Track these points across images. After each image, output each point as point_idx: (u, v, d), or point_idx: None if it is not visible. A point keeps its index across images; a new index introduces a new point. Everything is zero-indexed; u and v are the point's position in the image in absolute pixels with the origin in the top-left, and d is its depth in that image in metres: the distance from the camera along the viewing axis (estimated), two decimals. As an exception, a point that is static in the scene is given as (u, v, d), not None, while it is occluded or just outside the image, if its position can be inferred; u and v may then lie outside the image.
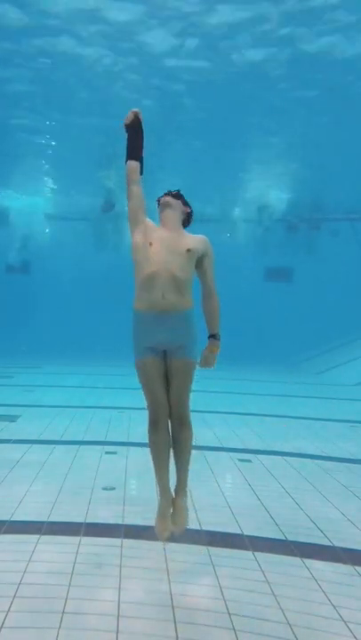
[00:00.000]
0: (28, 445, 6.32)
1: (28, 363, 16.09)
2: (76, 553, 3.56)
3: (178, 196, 3.31)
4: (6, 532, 3.89)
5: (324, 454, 6.40)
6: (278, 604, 3.02)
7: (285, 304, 21.77)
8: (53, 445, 6.38)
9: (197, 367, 3.20)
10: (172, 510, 3.26)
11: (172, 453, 3.29)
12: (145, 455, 5.91)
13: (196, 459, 5.92)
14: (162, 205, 3.27)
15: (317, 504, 4.66)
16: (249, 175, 18.04)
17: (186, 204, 3.34)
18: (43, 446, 6.32)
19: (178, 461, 3.28)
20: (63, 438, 6.88)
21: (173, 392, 3.15)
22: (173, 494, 3.29)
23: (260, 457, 6.13)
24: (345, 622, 2.86)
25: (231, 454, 6.22)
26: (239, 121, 13.88)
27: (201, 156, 16.40)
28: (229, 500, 4.69)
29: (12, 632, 2.68)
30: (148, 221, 3.24)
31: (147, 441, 3.26)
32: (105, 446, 6.41)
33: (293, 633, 2.75)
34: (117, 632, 2.72)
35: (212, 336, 3.20)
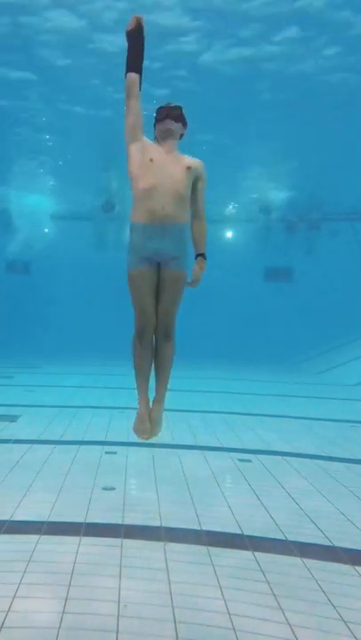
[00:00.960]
0: (28, 445, 6.32)
1: (28, 363, 16.09)
2: (76, 553, 3.57)
3: (179, 117, 3.27)
4: (6, 531, 3.89)
5: (324, 454, 6.40)
6: (278, 603, 3.02)
7: (285, 304, 21.74)
8: (53, 445, 6.38)
9: (186, 285, 3.24)
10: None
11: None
12: (145, 455, 5.91)
13: (196, 458, 5.97)
14: (164, 132, 3.23)
15: (317, 504, 4.66)
16: (249, 175, 18.02)
17: (185, 122, 3.32)
18: (43, 446, 6.32)
19: (158, 375, 3.33)
20: (63, 438, 6.88)
21: (163, 304, 3.20)
22: (151, 404, 3.32)
23: (260, 457, 6.13)
24: (345, 622, 2.86)
25: (231, 454, 6.22)
26: (239, 119, 13.86)
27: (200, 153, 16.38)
28: (229, 500, 4.69)
29: (13, 632, 2.69)
30: (146, 140, 3.26)
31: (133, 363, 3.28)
32: (105, 446, 6.41)
33: (293, 633, 2.75)
34: (117, 632, 2.72)
35: (201, 255, 3.29)
